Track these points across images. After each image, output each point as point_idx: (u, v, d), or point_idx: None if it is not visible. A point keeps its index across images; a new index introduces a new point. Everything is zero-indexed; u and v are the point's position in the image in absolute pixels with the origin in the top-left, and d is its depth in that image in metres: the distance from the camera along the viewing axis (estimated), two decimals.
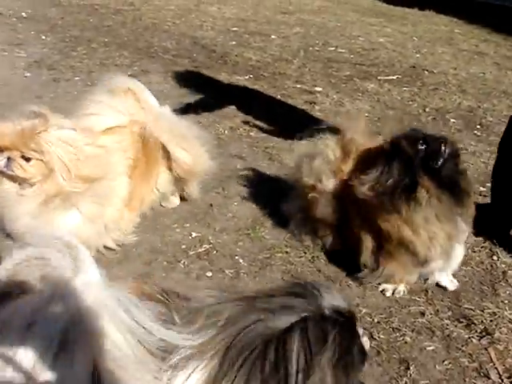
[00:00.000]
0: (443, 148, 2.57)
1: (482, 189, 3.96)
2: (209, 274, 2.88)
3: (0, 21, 8.50)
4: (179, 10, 10.52)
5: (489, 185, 3.91)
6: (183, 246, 3.11)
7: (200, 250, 3.09)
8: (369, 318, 2.59)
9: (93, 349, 1.45)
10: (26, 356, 1.41)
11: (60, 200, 2.65)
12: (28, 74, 5.93)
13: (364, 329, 2.23)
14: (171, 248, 3.09)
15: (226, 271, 2.92)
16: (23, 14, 9.10)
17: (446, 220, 2.57)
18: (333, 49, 8.30)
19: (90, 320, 1.45)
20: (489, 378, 2.28)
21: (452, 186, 2.61)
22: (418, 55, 8.24)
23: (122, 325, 1.50)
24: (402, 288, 2.80)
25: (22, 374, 1.40)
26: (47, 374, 1.40)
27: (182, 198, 3.52)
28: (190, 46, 7.74)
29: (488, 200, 3.61)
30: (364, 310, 2.64)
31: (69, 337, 1.43)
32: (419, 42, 9.26)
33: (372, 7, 13.20)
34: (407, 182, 2.57)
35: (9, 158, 2.58)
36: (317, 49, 8.23)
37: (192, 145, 3.27)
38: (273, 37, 8.82)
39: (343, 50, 8.24)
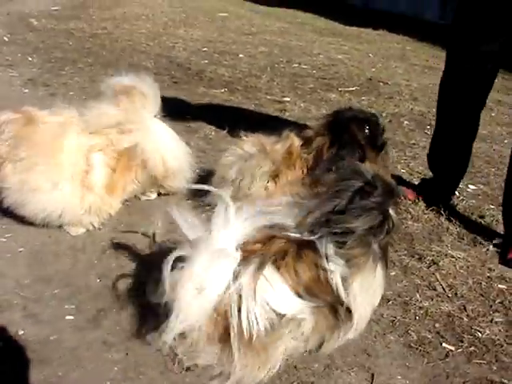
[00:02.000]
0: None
1: (430, 173, 4.73)
2: None
3: None
4: (150, 33, 11.22)
5: None
6: None
7: None
8: None
9: None
10: None
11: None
12: (26, 91, 6.50)
13: None
14: None
15: None
16: (5, 38, 9.67)
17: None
18: (296, 65, 9.09)
19: None
20: (435, 290, 3.05)
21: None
22: (373, 69, 9.09)
23: None
24: None
25: None
26: None
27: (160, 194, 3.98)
28: (167, 65, 8.44)
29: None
30: None
31: None
32: (374, 58, 10.13)
33: (329, 28, 14.11)
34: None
35: None
36: (282, 65, 9.00)
37: (173, 152, 3.75)
38: (241, 55, 9.57)
39: (306, 66, 9.04)
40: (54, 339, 2.48)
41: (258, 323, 2.09)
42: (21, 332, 2.50)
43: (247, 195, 3.50)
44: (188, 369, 2.30)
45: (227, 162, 3.65)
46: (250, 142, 3.71)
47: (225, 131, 5.40)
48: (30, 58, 8.29)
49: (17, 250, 3.18)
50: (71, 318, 2.63)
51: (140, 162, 3.56)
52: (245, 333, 2.07)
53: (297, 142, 3.70)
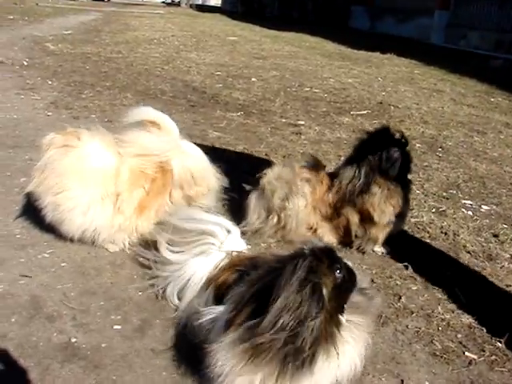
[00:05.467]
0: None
1: (444, 194, 4.94)
2: None
3: (5, 69, 9.30)
4: (164, 57, 11.51)
5: (451, 191, 4.95)
6: None
7: None
8: (368, 271, 3.52)
9: None
10: None
11: None
12: (49, 114, 6.72)
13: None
14: None
15: None
16: (24, 62, 9.94)
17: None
18: (308, 89, 9.34)
19: None
20: (456, 303, 3.23)
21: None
22: (383, 93, 9.34)
23: None
24: (386, 247, 3.87)
25: None
26: None
27: None
28: (183, 88, 8.69)
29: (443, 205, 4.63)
30: (364, 267, 3.57)
31: None
32: (384, 81, 10.39)
33: (338, 51, 14.42)
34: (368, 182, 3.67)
35: None
36: (294, 89, 9.26)
37: (204, 172, 3.96)
38: (253, 79, 9.83)
39: (318, 90, 9.29)
40: (104, 347, 2.66)
41: None
42: (73, 340, 2.68)
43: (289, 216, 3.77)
44: None
45: (270, 187, 3.85)
46: (282, 167, 3.93)
47: (246, 153, 5.62)
48: (50, 82, 8.53)
49: (60, 264, 3.36)
50: (119, 327, 2.81)
51: (174, 185, 3.76)
52: None
53: (321, 162, 3.97)
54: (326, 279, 2.01)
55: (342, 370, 2.11)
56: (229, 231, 2.87)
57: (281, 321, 1.93)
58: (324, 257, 2.04)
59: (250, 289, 2.09)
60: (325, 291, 1.99)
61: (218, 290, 2.57)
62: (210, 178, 3.98)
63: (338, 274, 2.06)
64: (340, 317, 2.07)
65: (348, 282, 2.12)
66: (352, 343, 2.12)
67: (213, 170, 4.04)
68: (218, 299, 2.48)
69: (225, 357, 2.04)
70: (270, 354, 1.97)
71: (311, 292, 1.95)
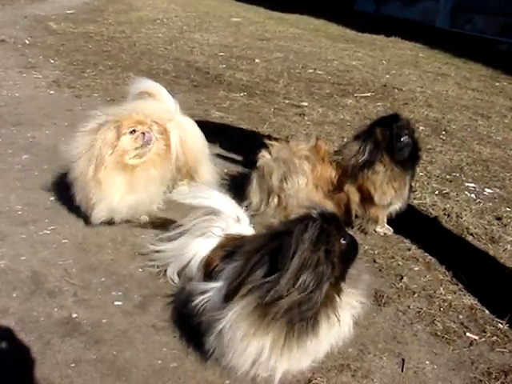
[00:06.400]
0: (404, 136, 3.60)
1: (448, 176, 4.92)
2: None
3: (7, 47, 9.24)
4: (167, 38, 11.41)
5: (454, 174, 4.93)
6: None
7: None
8: (370, 251, 3.52)
9: None
10: None
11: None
12: (52, 92, 6.68)
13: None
14: None
15: None
16: (26, 41, 9.87)
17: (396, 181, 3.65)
18: (312, 71, 9.28)
19: None
20: (458, 285, 3.23)
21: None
22: (387, 76, 9.27)
23: None
24: (388, 228, 3.86)
25: None
26: None
27: None
28: (185, 69, 8.63)
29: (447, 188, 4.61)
30: (366, 247, 3.57)
31: None
32: (388, 64, 10.32)
33: (342, 34, 14.31)
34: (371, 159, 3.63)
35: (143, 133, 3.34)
36: (298, 71, 9.19)
37: (197, 148, 4.02)
38: (257, 60, 9.76)
39: (321, 72, 9.22)
40: (105, 322, 2.66)
41: None
42: (74, 315, 2.69)
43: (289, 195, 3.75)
44: None
45: (268, 168, 3.83)
46: (279, 147, 3.90)
47: (249, 133, 5.60)
48: (52, 61, 8.47)
49: (61, 241, 3.36)
50: (120, 303, 2.81)
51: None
52: None
53: (321, 140, 3.95)
54: (335, 243, 2.00)
55: (340, 334, 2.17)
56: (238, 217, 2.84)
57: (301, 279, 1.94)
58: (333, 221, 2.06)
59: (250, 258, 2.08)
60: (334, 254, 2.00)
61: (206, 269, 2.61)
62: (202, 154, 4.00)
63: (343, 240, 2.09)
64: (341, 284, 2.08)
65: (351, 250, 2.13)
66: (348, 310, 2.17)
67: (206, 148, 4.07)
68: (207, 278, 2.50)
69: (234, 326, 2.07)
70: (279, 315, 1.98)
71: (325, 252, 1.98)
